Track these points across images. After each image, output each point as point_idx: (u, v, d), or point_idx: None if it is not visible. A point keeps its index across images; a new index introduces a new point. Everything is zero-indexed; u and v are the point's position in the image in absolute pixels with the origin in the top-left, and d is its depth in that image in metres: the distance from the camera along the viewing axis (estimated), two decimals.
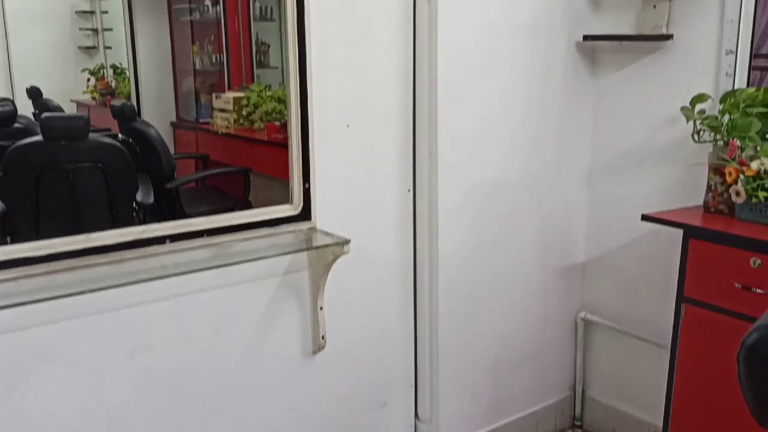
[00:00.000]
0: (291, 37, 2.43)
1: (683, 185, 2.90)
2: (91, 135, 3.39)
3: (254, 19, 5.62)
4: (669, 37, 2.88)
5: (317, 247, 2.49)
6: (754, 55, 2.78)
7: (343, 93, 2.62)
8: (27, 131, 4.31)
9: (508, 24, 2.90)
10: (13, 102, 4.83)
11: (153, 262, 2.23)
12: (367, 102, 2.70)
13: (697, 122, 2.66)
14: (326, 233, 2.55)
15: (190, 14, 5.40)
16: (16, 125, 4.31)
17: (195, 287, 2.36)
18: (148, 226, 2.25)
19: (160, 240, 2.25)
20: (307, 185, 2.56)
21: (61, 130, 3.25)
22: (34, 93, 5.92)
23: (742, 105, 2.55)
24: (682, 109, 2.69)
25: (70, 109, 6.56)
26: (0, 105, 4.50)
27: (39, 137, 3.26)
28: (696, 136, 2.69)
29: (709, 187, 2.66)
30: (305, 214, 2.56)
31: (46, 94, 6.26)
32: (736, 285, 2.38)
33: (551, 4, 3.01)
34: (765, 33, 3.07)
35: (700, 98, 2.67)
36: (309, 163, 2.55)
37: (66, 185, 3.25)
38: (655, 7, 2.91)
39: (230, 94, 5.26)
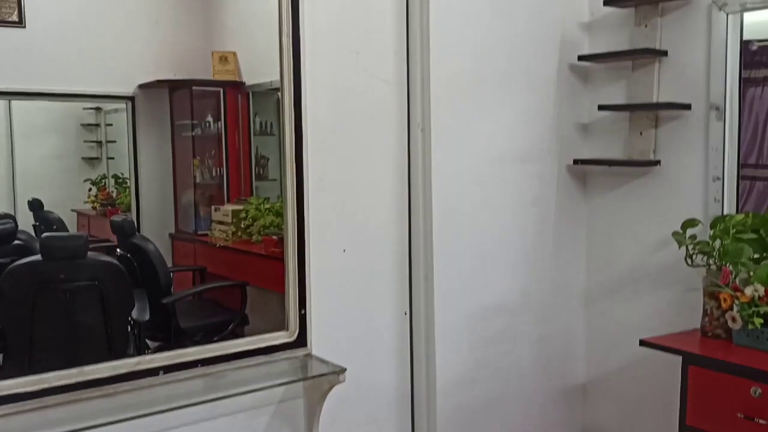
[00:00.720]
0: (289, 169, 2.51)
1: (680, 307, 2.91)
2: (90, 253, 3.40)
3: (254, 134, 5.78)
4: (656, 162, 2.96)
5: (313, 377, 2.46)
6: (741, 165, 2.85)
7: (339, 218, 2.67)
8: (27, 248, 4.34)
9: (500, 149, 2.99)
10: (13, 218, 4.89)
11: (147, 394, 2.20)
12: (363, 227, 2.75)
13: (690, 247, 2.70)
14: (322, 361, 2.53)
15: (192, 130, 5.55)
16: (16, 242, 4.35)
17: (189, 419, 2.32)
18: (142, 358, 2.23)
19: (154, 371, 2.23)
20: (303, 311, 2.56)
21: (61, 250, 3.27)
22: (35, 205, 6.00)
23: (732, 231, 2.59)
24: (674, 234, 2.74)
25: (70, 219, 6.62)
26: (0, 223, 4.54)
27: (38, 257, 3.28)
28: (689, 260, 2.72)
29: (705, 311, 2.67)
30: (301, 340, 2.55)
31: (47, 204, 6.33)
32: (739, 415, 2.34)
33: (542, 130, 3.11)
34: (751, 142, 3.15)
35: (690, 223, 2.72)
36: (305, 290, 2.56)
37: (62, 304, 3.24)
38: (641, 134, 3.01)
39: (229, 207, 5.34)
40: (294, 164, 2.55)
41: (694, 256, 2.71)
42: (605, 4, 3.03)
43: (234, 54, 5.74)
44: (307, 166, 2.56)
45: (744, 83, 2.82)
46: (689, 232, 2.73)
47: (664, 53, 2.92)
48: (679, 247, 2.72)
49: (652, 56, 2.94)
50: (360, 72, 2.76)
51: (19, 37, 5.04)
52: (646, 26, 2.96)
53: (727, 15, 2.72)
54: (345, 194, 2.70)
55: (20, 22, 5.00)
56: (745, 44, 2.80)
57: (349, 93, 2.73)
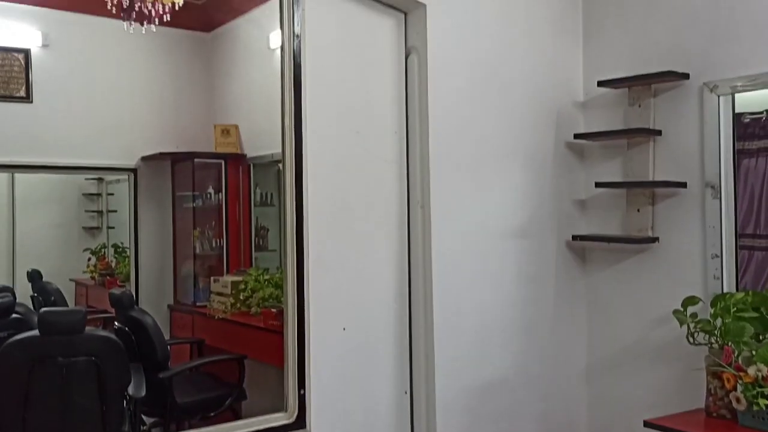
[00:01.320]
0: (290, 248, 2.52)
1: (682, 385, 2.88)
2: (87, 328, 3.38)
3: (255, 205, 5.83)
4: (655, 239, 2.99)
5: None
6: (739, 234, 2.87)
7: (339, 295, 2.67)
8: (25, 322, 4.33)
9: (499, 226, 3.02)
10: (12, 291, 4.88)
11: None
12: (363, 304, 2.74)
13: (691, 325, 2.69)
14: None
15: (193, 201, 5.61)
16: (14, 316, 4.33)
17: None
18: None
19: None
20: (302, 391, 2.53)
21: (58, 326, 3.24)
22: (33, 276, 6.00)
23: (733, 309, 2.59)
24: (675, 312, 2.73)
25: (68, 289, 6.61)
26: None
27: (35, 332, 3.25)
28: (691, 338, 2.70)
29: (708, 391, 2.64)
30: (300, 422, 2.51)
31: (46, 274, 6.33)
32: None
33: (541, 206, 3.15)
34: (748, 212, 3.17)
35: (691, 301, 2.72)
36: (305, 369, 2.54)
37: (58, 381, 3.20)
38: (639, 210, 3.05)
39: (228, 278, 5.34)
40: (294, 243, 2.56)
41: (695, 335, 2.69)
42: (599, 85, 3.10)
43: (236, 127, 5.86)
44: (308, 244, 2.57)
45: (738, 154, 2.86)
46: (690, 310, 2.72)
47: (658, 132, 2.98)
48: (681, 326, 2.71)
49: (647, 135, 2.99)
50: (360, 151, 2.80)
51: (25, 112, 5.16)
52: (639, 106, 3.03)
53: (719, 97, 2.79)
54: (345, 271, 2.71)
55: (27, 98, 5.12)
56: (737, 117, 2.86)
57: (349, 171, 2.77)
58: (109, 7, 4.10)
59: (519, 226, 3.08)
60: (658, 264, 3.01)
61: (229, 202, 5.69)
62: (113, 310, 4.80)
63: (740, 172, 2.89)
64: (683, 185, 2.90)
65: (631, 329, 3.10)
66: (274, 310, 4.72)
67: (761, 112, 2.93)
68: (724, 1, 2.78)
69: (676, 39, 2.95)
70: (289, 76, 2.62)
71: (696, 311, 2.72)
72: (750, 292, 2.66)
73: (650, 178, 3.01)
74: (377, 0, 2.83)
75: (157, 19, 4.29)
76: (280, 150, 2.64)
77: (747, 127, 2.94)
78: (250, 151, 5.76)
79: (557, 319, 3.19)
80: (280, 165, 2.75)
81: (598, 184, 3.14)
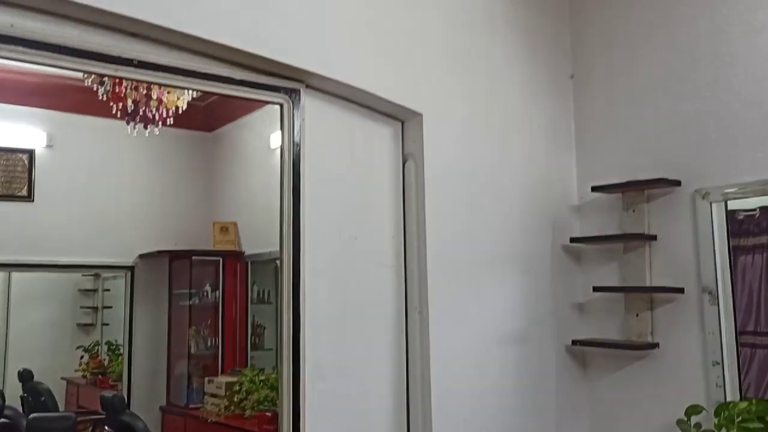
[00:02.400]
0: (286, 356, 2.49)
1: None
2: None
3: (251, 302, 5.81)
4: (655, 345, 2.96)
5: None
6: (739, 332, 2.83)
7: (336, 403, 2.62)
8: (13, 426, 4.22)
9: (498, 331, 3.00)
10: (1, 393, 4.78)
11: None
12: (360, 413, 2.69)
13: None
14: None
15: (190, 299, 5.59)
16: (2, 420, 4.23)
17: None
18: None
19: None
20: None
21: None
22: (24, 376, 5.90)
23: (737, 419, 2.54)
24: (679, 422, 2.68)
25: (60, 387, 6.47)
26: None
27: None
28: None
29: None
30: None
31: (38, 373, 6.22)
32: None
33: (539, 311, 3.14)
34: (748, 309, 3.15)
35: (694, 410, 2.67)
36: None
37: None
38: (638, 315, 3.03)
39: (223, 379, 5.25)
40: (291, 347, 2.53)
41: None
42: (593, 190, 3.16)
43: (234, 224, 5.91)
44: (304, 348, 2.54)
45: (734, 251, 2.87)
46: (693, 419, 2.67)
47: (653, 237, 3.01)
48: None
49: (642, 240, 3.02)
50: (358, 255, 2.81)
51: (26, 211, 5.21)
52: (634, 211, 3.07)
53: (711, 204, 2.84)
54: (342, 377, 2.66)
55: (29, 196, 5.19)
56: (731, 213, 2.88)
57: (347, 276, 2.77)
58: (114, 112, 4.23)
59: (518, 331, 3.06)
60: (659, 370, 2.97)
61: (226, 300, 5.66)
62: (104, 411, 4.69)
63: (737, 269, 2.90)
64: (681, 290, 2.90)
65: None
66: (269, 413, 4.61)
67: (754, 209, 2.96)
68: (713, 110, 2.87)
69: (666, 145, 3.02)
70: (288, 182, 2.67)
71: (699, 421, 2.67)
72: (754, 401, 2.61)
73: (647, 283, 3.01)
74: (375, 109, 2.91)
75: (160, 122, 4.40)
76: (278, 248, 2.65)
77: (741, 223, 2.97)
78: (249, 249, 5.79)
79: (559, 426, 3.11)
80: (278, 262, 2.76)
81: (596, 288, 3.14)
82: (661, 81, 3.06)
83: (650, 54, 3.11)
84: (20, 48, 2.11)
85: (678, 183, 2.94)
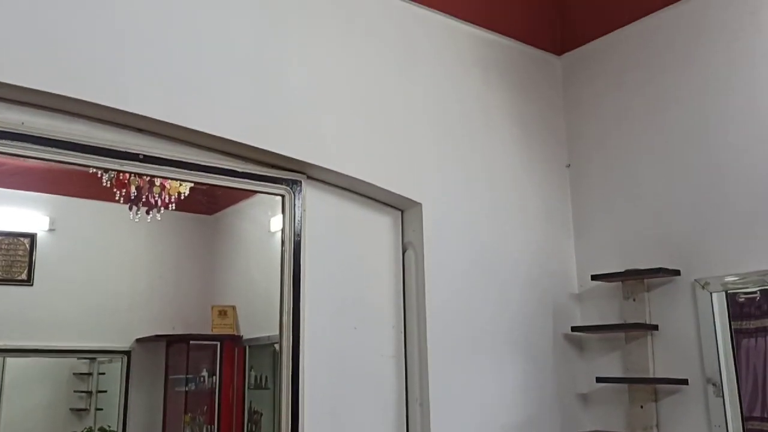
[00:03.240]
0: None
1: None
2: None
3: (249, 387, 5.70)
4: None
5: None
6: (746, 418, 2.77)
7: None
8: None
9: (500, 422, 2.95)
10: None
11: None
12: None
13: None
14: None
15: (186, 384, 5.49)
16: None
17: None
18: None
19: None
20: None
21: None
22: None
23: None
24: None
25: None
26: None
27: None
28: None
29: None
30: None
31: None
32: None
33: (542, 400, 3.09)
34: (753, 394, 3.08)
35: None
36: None
37: None
38: (642, 407, 2.98)
39: None
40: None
41: None
42: (593, 278, 3.16)
43: (233, 308, 5.87)
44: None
45: (736, 334, 2.84)
46: None
47: (655, 327, 2.99)
48: None
49: (644, 330, 3.00)
50: (358, 345, 2.79)
51: (24, 295, 5.18)
52: (634, 300, 3.07)
53: (711, 294, 2.83)
54: None
55: (28, 280, 5.17)
56: (731, 296, 2.86)
57: (347, 365, 2.75)
58: (117, 198, 4.27)
59: (520, 423, 3.00)
60: None
61: (222, 386, 5.56)
62: None
63: (740, 353, 2.86)
64: (684, 382, 2.86)
65: None
66: None
67: (755, 292, 2.95)
68: (709, 199, 2.90)
69: (664, 234, 3.04)
70: (288, 271, 2.68)
71: None
72: None
73: (651, 374, 2.97)
74: (374, 199, 2.95)
75: (162, 208, 4.44)
76: (276, 332, 2.63)
77: (742, 306, 2.95)
78: (247, 332, 5.72)
79: None
80: (277, 346, 2.73)
81: (599, 379, 3.10)
82: (656, 169, 3.11)
83: (644, 144, 3.17)
84: (30, 145, 2.16)
85: (677, 272, 2.94)
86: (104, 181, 4.11)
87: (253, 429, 5.51)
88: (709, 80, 2.95)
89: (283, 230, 2.73)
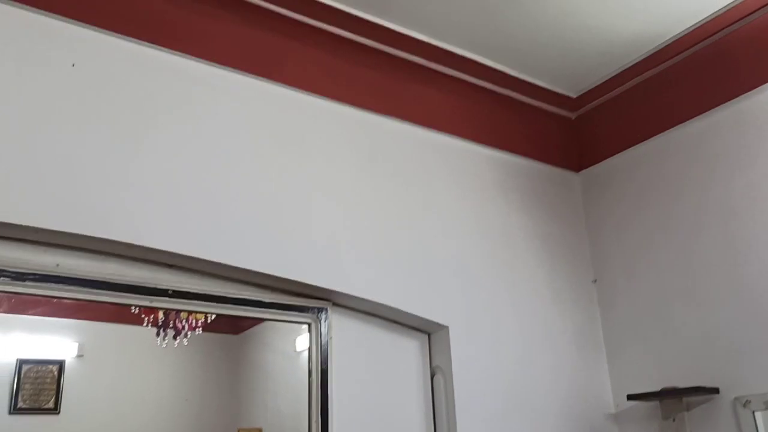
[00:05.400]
0: None
1: None
2: None
3: None
4: None
5: None
6: None
7: None
8: None
9: None
10: None
11: None
12: None
13: None
14: None
15: None
16: None
17: None
18: None
19: None
20: None
21: None
22: None
23: None
24: None
25: None
26: None
27: None
28: None
29: None
30: None
31: None
32: None
33: None
34: None
35: None
36: None
37: None
38: None
39: None
40: None
41: None
42: (629, 398, 3.07)
43: (260, 430, 5.74)
44: None
45: None
46: None
47: None
48: None
49: None
50: None
51: (51, 423, 5.14)
52: (674, 420, 2.96)
53: (753, 412, 2.73)
54: None
55: (55, 409, 5.14)
56: None
57: None
58: (145, 324, 4.31)
59: None
60: None
61: None
62: None
63: None
64: None
65: None
66: None
67: None
68: (745, 314, 2.81)
69: (697, 352, 2.96)
70: (316, 398, 2.65)
71: None
72: None
73: None
74: (400, 323, 2.94)
75: (189, 332, 4.46)
76: None
77: None
78: None
79: None
80: None
81: None
82: (683, 289, 3.06)
83: (669, 263, 3.14)
84: (63, 285, 2.22)
85: (716, 390, 2.84)
86: (132, 308, 4.16)
87: None
88: (730, 200, 2.96)
89: (309, 358, 2.73)
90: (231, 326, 6.17)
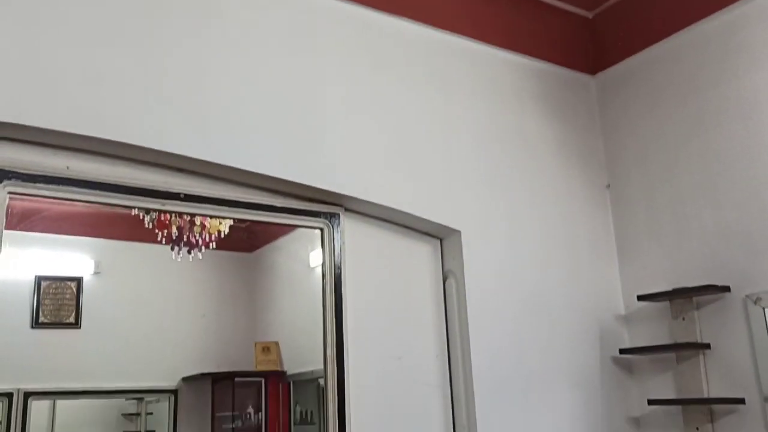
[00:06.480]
0: None
1: None
2: None
3: (294, 423, 5.68)
4: None
5: None
6: None
7: None
8: None
9: None
10: None
11: None
12: None
13: None
14: None
15: (233, 422, 5.49)
16: None
17: None
18: None
19: None
20: None
21: None
22: None
23: None
24: None
25: None
26: None
27: None
28: None
29: None
30: None
31: None
32: None
33: (593, 426, 3.01)
34: None
35: None
36: None
37: None
38: (698, 429, 2.89)
39: None
40: None
41: None
42: (639, 299, 3.09)
43: (276, 344, 5.88)
44: None
45: None
46: None
47: (707, 346, 2.91)
48: None
49: (695, 349, 2.92)
50: (403, 375, 2.77)
51: (73, 338, 5.28)
52: (683, 319, 2.99)
53: (764, 309, 2.75)
54: None
55: (76, 323, 5.27)
56: None
57: (392, 396, 2.73)
58: (159, 239, 4.35)
59: None
60: None
61: (269, 422, 5.55)
62: None
63: None
64: (741, 401, 2.76)
65: None
66: None
67: None
68: (758, 213, 2.82)
69: (711, 251, 2.97)
70: (330, 304, 2.68)
71: None
72: None
73: (705, 394, 2.88)
74: (413, 228, 2.95)
75: (203, 247, 4.51)
76: (320, 366, 2.63)
77: None
78: (291, 368, 5.72)
79: None
80: (321, 380, 2.72)
81: (651, 402, 3.02)
82: (700, 188, 3.05)
83: (686, 162, 3.11)
84: (74, 188, 2.23)
85: (728, 289, 2.86)
86: (146, 222, 4.20)
87: None
88: (752, 94, 2.89)
89: (323, 263, 2.75)
90: (245, 244, 6.23)
